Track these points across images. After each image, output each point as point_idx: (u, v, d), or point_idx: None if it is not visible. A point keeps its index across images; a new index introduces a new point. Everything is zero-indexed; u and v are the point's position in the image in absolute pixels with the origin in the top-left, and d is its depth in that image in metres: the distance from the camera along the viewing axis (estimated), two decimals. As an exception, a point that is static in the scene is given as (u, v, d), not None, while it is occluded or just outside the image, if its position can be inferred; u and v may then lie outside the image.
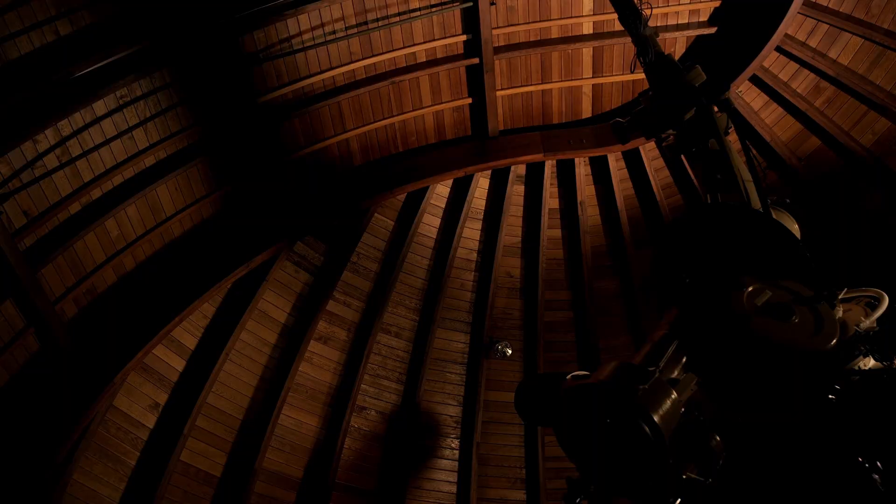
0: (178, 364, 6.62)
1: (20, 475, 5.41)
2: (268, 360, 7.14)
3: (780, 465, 1.56)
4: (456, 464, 7.56)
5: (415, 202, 7.71)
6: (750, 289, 1.92)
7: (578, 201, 7.80)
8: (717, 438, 1.57)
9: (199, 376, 6.62)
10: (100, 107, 5.58)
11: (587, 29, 7.14)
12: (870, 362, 1.97)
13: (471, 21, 6.83)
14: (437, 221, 7.89)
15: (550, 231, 7.94)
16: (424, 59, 7.05)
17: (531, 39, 7.16)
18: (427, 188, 7.64)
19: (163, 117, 6.01)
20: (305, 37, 6.37)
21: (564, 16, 7.01)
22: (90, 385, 5.87)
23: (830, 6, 6.51)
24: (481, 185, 7.94)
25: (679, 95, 2.73)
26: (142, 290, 6.38)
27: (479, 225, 7.99)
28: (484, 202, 8.00)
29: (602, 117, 7.66)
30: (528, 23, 7.00)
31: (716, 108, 2.80)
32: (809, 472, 1.50)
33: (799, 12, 6.57)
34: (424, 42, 6.87)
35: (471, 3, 6.66)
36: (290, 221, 7.04)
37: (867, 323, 2.10)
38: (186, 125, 6.19)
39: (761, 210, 2.46)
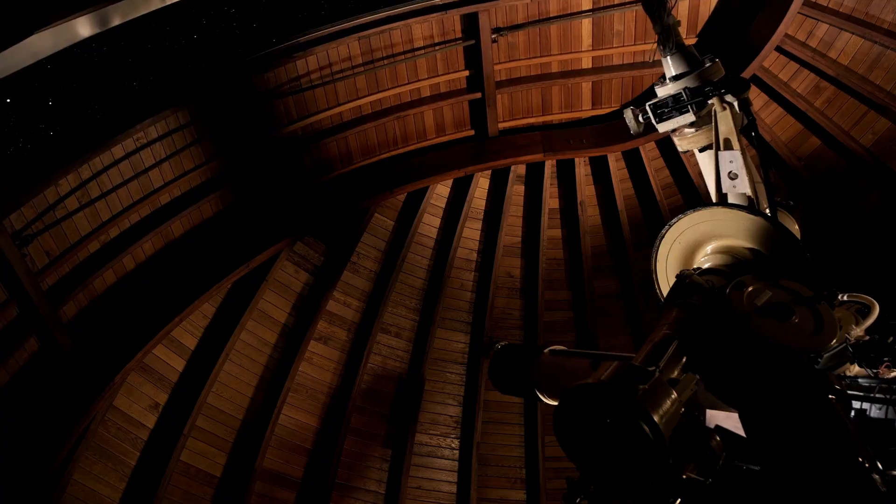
0: (178, 364, 6.62)
1: (20, 475, 5.41)
2: (268, 360, 7.13)
3: (779, 465, 1.56)
4: (456, 464, 7.56)
5: (415, 202, 7.71)
6: (750, 289, 1.92)
7: (578, 201, 7.80)
8: (717, 438, 1.57)
9: (199, 376, 6.62)
10: (118, 150, 5.83)
11: (586, 63, 7.36)
12: (854, 368, 1.96)
13: (473, 57, 7.07)
14: (437, 221, 7.89)
15: (550, 231, 7.95)
16: (428, 94, 7.27)
17: (532, 74, 7.38)
18: (427, 188, 7.65)
19: (177, 157, 6.24)
20: (314, 76, 6.63)
21: (564, 51, 7.21)
22: (90, 385, 5.87)
23: (830, 6, 6.51)
24: (481, 185, 7.94)
25: (698, 90, 2.67)
26: (142, 290, 6.38)
27: (479, 225, 7.99)
28: (484, 202, 8.00)
29: (602, 118, 7.67)
30: (529, 58, 7.22)
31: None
32: (808, 471, 1.50)
33: (799, 12, 6.57)
34: (429, 77, 7.11)
35: (473, 41, 6.89)
36: (289, 221, 7.04)
37: (857, 331, 2.07)
38: (200, 163, 6.41)
39: (769, 212, 2.45)
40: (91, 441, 6.00)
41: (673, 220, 2.43)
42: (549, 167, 7.78)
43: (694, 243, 2.42)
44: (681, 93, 2.69)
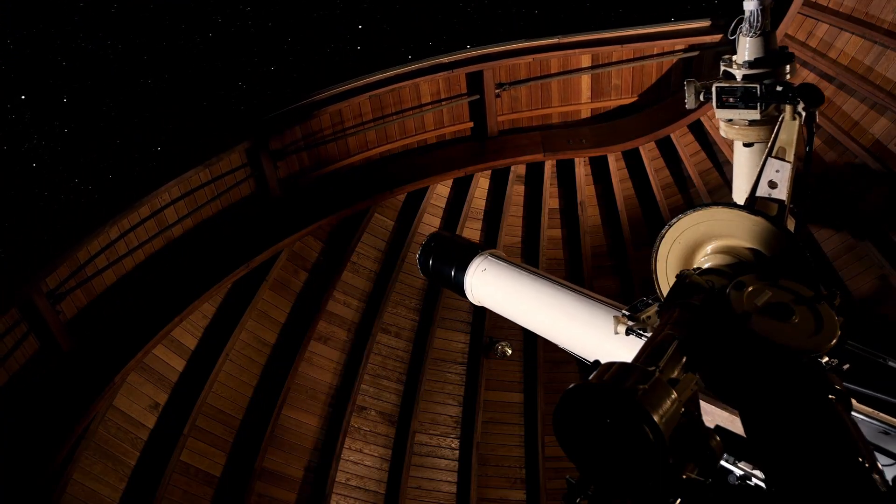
0: (178, 364, 6.62)
1: (20, 475, 5.41)
2: (268, 360, 7.13)
3: (778, 465, 1.57)
4: (456, 464, 7.56)
5: (415, 202, 7.71)
6: (750, 289, 1.92)
7: (578, 201, 7.80)
8: (717, 438, 1.57)
9: (199, 376, 6.62)
10: (144, 210, 6.24)
11: (585, 114, 7.72)
12: None
13: (477, 110, 7.46)
14: (437, 221, 7.89)
15: (550, 231, 7.94)
16: (435, 142, 7.67)
17: (533, 125, 7.76)
18: (427, 188, 7.65)
19: (198, 212, 6.63)
20: (326, 132, 7.02)
21: (564, 103, 7.61)
22: (90, 385, 5.88)
23: (830, 6, 6.50)
24: (481, 185, 7.94)
25: (772, 89, 2.47)
26: (142, 290, 6.39)
27: (479, 225, 7.99)
28: (484, 202, 8.00)
29: (601, 118, 7.68)
30: (531, 109, 7.58)
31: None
32: (808, 471, 1.50)
33: (799, 12, 6.57)
34: (435, 129, 7.52)
35: (478, 96, 7.29)
36: (290, 221, 7.05)
37: None
38: (213, 214, 6.78)
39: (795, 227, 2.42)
40: (91, 441, 6.00)
41: (673, 220, 2.42)
42: (549, 167, 7.78)
43: (694, 243, 2.41)
44: (756, 88, 2.50)
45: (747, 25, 2.61)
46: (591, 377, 1.60)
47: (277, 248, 6.96)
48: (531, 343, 7.77)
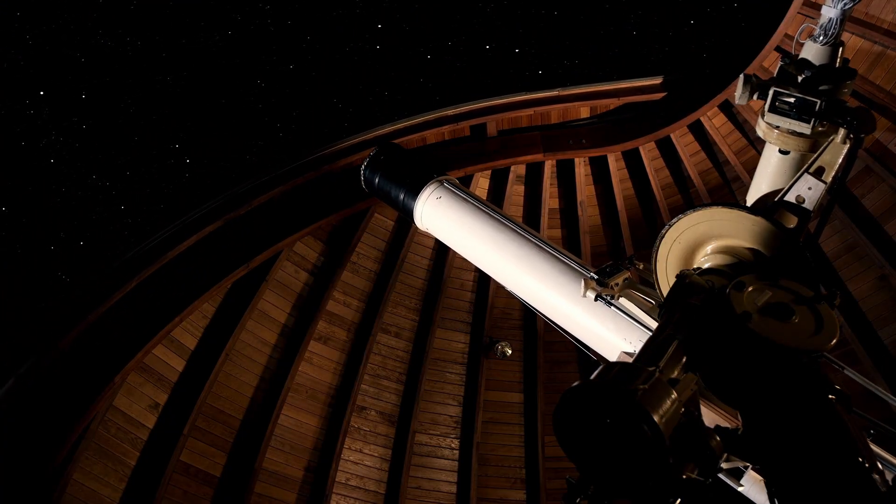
0: (178, 364, 6.62)
1: (20, 475, 5.41)
2: (268, 360, 7.14)
3: (778, 465, 1.57)
4: (456, 464, 7.56)
5: (415, 202, 7.70)
6: (750, 289, 1.92)
7: (578, 201, 7.80)
8: (717, 438, 1.57)
9: (199, 376, 6.62)
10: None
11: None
12: None
13: None
14: (437, 221, 7.89)
15: (550, 231, 7.95)
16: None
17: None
18: (427, 188, 7.65)
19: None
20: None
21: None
22: (90, 385, 5.88)
23: (830, 6, 6.50)
24: (481, 186, 7.94)
25: (831, 107, 2.34)
26: (142, 289, 6.38)
27: (479, 225, 7.98)
28: (484, 202, 8.01)
29: (601, 117, 7.67)
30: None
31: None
32: (808, 471, 1.50)
33: (798, 12, 6.57)
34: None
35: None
36: (289, 221, 7.05)
37: None
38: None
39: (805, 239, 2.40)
40: (91, 441, 6.00)
41: (673, 220, 2.41)
42: (549, 167, 7.78)
43: (694, 243, 2.41)
44: (816, 103, 2.36)
45: (822, 33, 2.49)
46: (591, 377, 1.60)
47: (277, 248, 6.95)
48: (531, 343, 7.77)
